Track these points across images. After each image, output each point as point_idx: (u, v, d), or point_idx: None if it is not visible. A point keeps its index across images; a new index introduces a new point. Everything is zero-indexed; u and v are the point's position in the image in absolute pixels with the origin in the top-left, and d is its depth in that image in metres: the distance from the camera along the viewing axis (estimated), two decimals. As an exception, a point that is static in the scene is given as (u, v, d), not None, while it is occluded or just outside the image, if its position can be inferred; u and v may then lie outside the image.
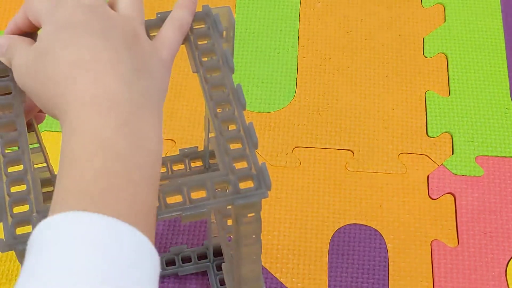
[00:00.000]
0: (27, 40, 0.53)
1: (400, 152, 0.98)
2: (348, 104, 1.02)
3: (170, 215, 0.50)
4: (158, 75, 0.51)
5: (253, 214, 0.54)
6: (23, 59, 0.51)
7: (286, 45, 1.08)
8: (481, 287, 0.88)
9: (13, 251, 0.49)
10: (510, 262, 0.90)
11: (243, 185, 0.52)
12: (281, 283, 0.88)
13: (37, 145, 0.63)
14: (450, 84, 1.04)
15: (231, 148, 0.53)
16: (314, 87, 1.04)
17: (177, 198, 0.51)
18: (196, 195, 0.51)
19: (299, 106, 1.02)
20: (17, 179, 0.51)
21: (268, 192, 0.52)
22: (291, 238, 0.91)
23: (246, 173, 0.52)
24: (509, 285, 0.89)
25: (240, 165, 0.52)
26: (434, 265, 0.90)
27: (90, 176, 0.44)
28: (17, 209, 0.50)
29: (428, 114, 1.01)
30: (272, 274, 0.88)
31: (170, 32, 0.55)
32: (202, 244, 0.90)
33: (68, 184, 0.44)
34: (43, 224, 0.43)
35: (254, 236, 0.57)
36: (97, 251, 0.41)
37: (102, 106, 0.45)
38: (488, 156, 0.98)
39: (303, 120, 1.01)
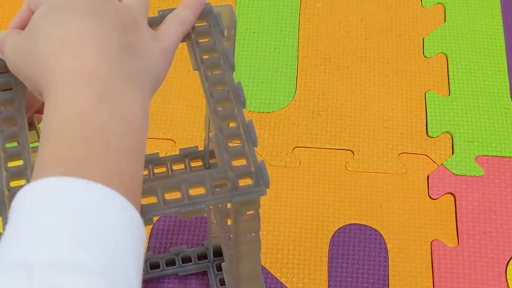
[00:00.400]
0: (18, 30, 0.53)
1: (400, 152, 0.98)
2: (348, 104, 1.02)
3: (168, 211, 0.50)
4: (152, 59, 0.51)
5: (251, 211, 0.54)
6: (14, 43, 0.51)
7: (286, 45, 1.08)
8: (481, 287, 0.88)
9: None
10: (510, 262, 0.90)
11: (242, 182, 0.52)
12: (281, 283, 0.88)
13: (38, 143, 0.63)
14: (450, 84, 1.04)
15: (231, 145, 0.53)
16: (314, 87, 1.04)
17: (176, 195, 0.51)
18: (195, 192, 0.51)
19: (299, 106, 1.02)
20: (16, 174, 0.51)
21: (267, 190, 0.52)
22: (291, 238, 0.91)
23: (245, 170, 0.52)
24: (509, 285, 0.89)
25: (239, 162, 0.52)
26: (434, 265, 0.90)
27: (67, 145, 0.44)
28: None
29: (428, 114, 1.01)
30: (272, 274, 0.88)
31: (172, 26, 0.55)
32: (202, 244, 0.90)
33: (46, 153, 0.45)
34: (23, 191, 0.43)
35: (253, 234, 0.57)
36: (74, 213, 0.41)
37: (80, 80, 0.46)
38: (488, 156, 0.98)
39: (303, 120, 1.01)
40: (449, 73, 1.05)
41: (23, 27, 0.53)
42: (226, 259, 0.72)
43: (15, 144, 0.53)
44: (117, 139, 0.45)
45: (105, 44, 0.48)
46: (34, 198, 0.42)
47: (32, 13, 0.53)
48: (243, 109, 0.54)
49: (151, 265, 0.87)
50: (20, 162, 0.52)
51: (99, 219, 0.42)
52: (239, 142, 0.53)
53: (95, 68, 0.47)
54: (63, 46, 0.47)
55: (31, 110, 0.60)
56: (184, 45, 0.58)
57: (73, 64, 0.47)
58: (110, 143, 0.45)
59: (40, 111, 0.62)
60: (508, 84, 1.04)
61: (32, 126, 0.61)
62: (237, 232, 0.57)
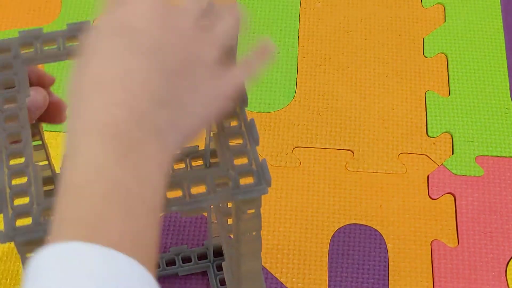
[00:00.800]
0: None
1: (400, 152, 0.98)
2: (348, 104, 1.02)
3: (169, 209, 0.50)
4: (193, 113, 0.48)
5: (253, 210, 0.54)
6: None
7: (286, 45, 1.08)
8: (481, 287, 0.88)
9: (14, 249, 0.49)
10: (510, 262, 0.90)
11: (243, 181, 0.52)
12: (281, 283, 0.88)
13: (40, 142, 0.63)
14: (450, 84, 1.04)
15: (232, 144, 0.53)
16: (314, 87, 1.04)
17: (177, 194, 0.51)
18: (196, 190, 0.51)
19: (299, 106, 1.02)
20: (18, 171, 0.51)
21: (268, 188, 0.51)
22: (291, 238, 0.91)
23: (247, 169, 0.52)
24: (509, 285, 0.89)
25: (241, 161, 0.52)
26: (434, 265, 0.90)
27: (87, 203, 0.43)
28: (17, 201, 0.50)
29: (428, 114, 1.01)
30: (272, 274, 0.88)
31: (241, 74, 0.52)
32: (202, 245, 0.90)
33: (66, 210, 0.43)
34: (40, 253, 0.42)
35: (254, 233, 0.57)
36: (92, 282, 0.40)
37: (105, 134, 0.44)
38: (488, 156, 0.98)
39: (303, 120, 1.01)
40: (449, 73, 1.05)
41: None
42: (227, 259, 0.72)
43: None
44: (136, 201, 0.44)
45: (140, 96, 0.45)
46: (53, 266, 0.41)
47: None
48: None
49: (151, 265, 0.87)
50: (21, 160, 0.52)
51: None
52: (241, 140, 0.53)
53: (121, 124, 0.44)
54: (97, 87, 0.45)
55: (38, 112, 0.59)
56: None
57: (102, 114, 0.44)
58: (129, 204, 0.43)
59: (56, 115, 0.61)
60: (508, 84, 1.04)
61: (36, 125, 0.61)
62: (239, 231, 0.56)
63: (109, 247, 0.41)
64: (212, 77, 0.49)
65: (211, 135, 0.71)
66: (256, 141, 0.52)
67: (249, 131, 0.53)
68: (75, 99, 0.46)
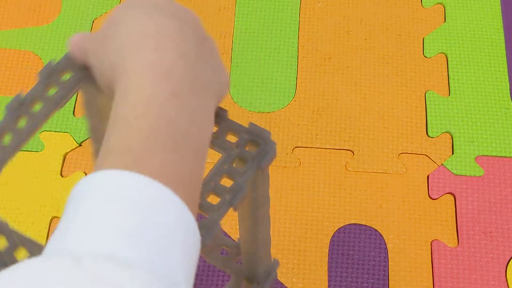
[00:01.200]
0: None
1: (400, 152, 0.98)
2: (348, 104, 1.02)
3: (220, 208, 0.50)
4: (220, 72, 0.51)
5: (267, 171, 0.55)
6: (97, 33, 0.51)
7: (286, 45, 1.08)
8: (481, 287, 0.88)
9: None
10: (510, 262, 0.90)
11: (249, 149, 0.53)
12: (281, 283, 0.88)
13: None
14: (450, 84, 1.04)
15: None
16: (314, 87, 1.04)
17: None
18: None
19: (299, 106, 1.02)
20: None
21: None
22: (291, 238, 0.91)
23: (245, 140, 0.52)
24: (509, 285, 0.89)
25: (233, 139, 0.53)
26: (434, 265, 0.90)
27: (135, 135, 0.44)
28: None
29: (428, 114, 1.01)
30: (272, 274, 0.88)
31: None
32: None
33: (113, 141, 0.44)
34: (83, 181, 0.43)
35: (267, 195, 0.58)
36: (130, 209, 0.41)
37: (157, 72, 0.46)
38: (488, 156, 0.98)
39: (303, 120, 1.01)
40: (449, 73, 1.05)
41: None
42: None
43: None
44: (183, 138, 0.45)
45: (183, 45, 0.48)
46: (93, 190, 0.42)
47: None
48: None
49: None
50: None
51: (154, 219, 0.41)
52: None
53: (173, 64, 0.46)
54: (143, 38, 0.47)
55: None
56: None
57: (152, 56, 0.46)
58: (176, 140, 0.45)
59: None
60: (508, 84, 1.04)
61: None
62: (257, 199, 0.57)
63: (151, 177, 0.42)
64: (223, 66, 0.52)
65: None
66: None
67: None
68: (121, 49, 0.48)
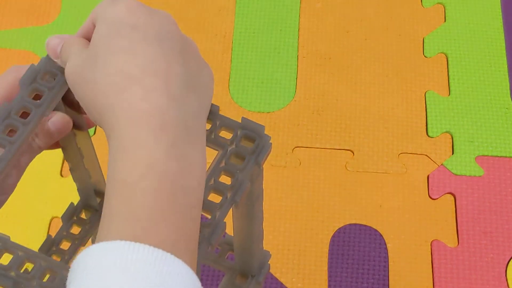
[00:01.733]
0: (83, 41, 0.49)
1: (400, 152, 0.98)
2: (348, 104, 1.02)
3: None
4: (205, 90, 0.48)
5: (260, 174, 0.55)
6: (76, 61, 0.48)
7: (286, 45, 1.08)
8: (481, 287, 0.88)
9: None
10: (510, 262, 0.90)
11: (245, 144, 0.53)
12: (281, 283, 0.88)
13: None
14: (450, 84, 1.04)
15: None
16: (314, 87, 1.04)
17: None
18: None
19: (299, 106, 1.02)
20: None
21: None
22: (291, 238, 0.91)
23: (239, 136, 0.52)
24: (509, 285, 0.89)
25: (227, 135, 0.53)
26: (434, 265, 0.90)
27: (140, 200, 0.42)
28: None
29: (428, 114, 1.01)
30: (272, 274, 0.88)
31: None
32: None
33: (116, 205, 0.43)
34: (87, 251, 0.42)
35: (261, 189, 0.58)
36: (140, 284, 0.40)
37: (152, 125, 0.43)
38: (488, 156, 0.98)
39: (303, 120, 1.01)
40: (449, 73, 1.05)
41: (89, 39, 0.50)
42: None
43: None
44: (184, 193, 0.43)
45: (171, 82, 0.45)
46: (100, 263, 0.40)
47: (93, 25, 0.49)
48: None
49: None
50: None
51: None
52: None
53: (165, 112, 0.44)
54: (129, 82, 0.45)
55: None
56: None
57: (143, 105, 0.44)
58: (179, 200, 0.43)
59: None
60: (508, 84, 1.04)
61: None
62: (253, 194, 0.57)
63: (158, 247, 0.41)
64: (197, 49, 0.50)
65: None
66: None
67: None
68: (106, 93, 0.45)
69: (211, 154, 0.50)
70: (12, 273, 0.51)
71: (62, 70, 0.53)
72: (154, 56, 0.45)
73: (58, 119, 0.55)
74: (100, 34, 0.47)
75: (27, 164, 0.58)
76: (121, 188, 0.43)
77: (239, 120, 0.53)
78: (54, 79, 0.53)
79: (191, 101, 0.46)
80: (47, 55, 0.53)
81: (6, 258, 0.52)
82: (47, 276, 0.51)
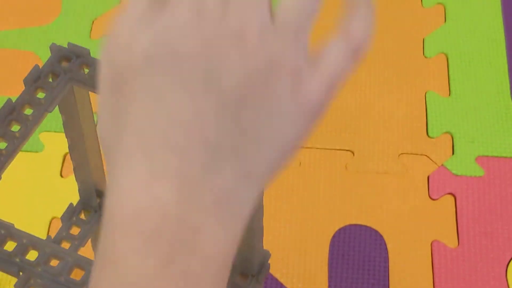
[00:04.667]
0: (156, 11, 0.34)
1: (400, 153, 0.98)
2: (348, 104, 1.02)
3: None
4: (276, 142, 0.34)
5: None
6: (108, 76, 0.35)
7: (286, 45, 1.07)
8: (481, 287, 0.88)
9: None
10: (511, 262, 0.90)
11: None
12: (281, 284, 0.88)
13: None
14: (450, 84, 1.04)
15: None
16: (314, 87, 1.04)
17: None
18: None
19: (299, 106, 1.02)
20: None
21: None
22: (291, 238, 0.91)
23: None
24: (510, 286, 0.89)
25: None
26: (434, 266, 0.90)
27: None
28: None
29: (428, 114, 1.01)
30: (272, 275, 0.88)
31: (339, 57, 0.35)
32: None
33: None
34: None
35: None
36: None
37: (144, 231, 0.32)
38: (488, 156, 0.98)
39: (303, 120, 1.00)
40: (450, 73, 1.05)
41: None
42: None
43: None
44: None
45: (190, 156, 0.32)
46: None
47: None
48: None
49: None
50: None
51: None
52: None
53: (168, 214, 0.32)
54: (136, 151, 0.33)
55: None
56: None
57: (139, 198, 0.32)
58: None
59: None
60: (508, 84, 1.04)
61: None
62: None
63: None
64: (295, 88, 0.34)
65: None
66: None
67: None
68: (114, 163, 0.34)
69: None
70: (17, 259, 0.51)
71: (65, 70, 0.54)
72: (181, 112, 0.33)
73: None
74: (131, 58, 0.34)
75: None
76: None
77: None
78: (57, 78, 0.54)
79: (220, 179, 0.33)
80: (51, 56, 0.54)
81: (11, 245, 0.52)
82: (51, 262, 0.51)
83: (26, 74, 0.57)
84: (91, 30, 1.08)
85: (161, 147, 0.33)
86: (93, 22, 1.09)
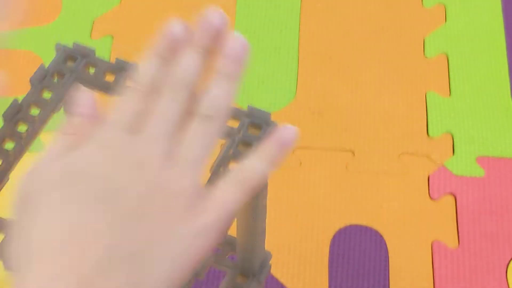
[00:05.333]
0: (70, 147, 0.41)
1: (400, 153, 0.98)
2: (348, 104, 1.02)
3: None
4: (169, 259, 0.38)
5: None
6: (16, 196, 0.41)
7: (287, 45, 1.07)
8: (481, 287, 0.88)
9: None
10: (511, 263, 0.90)
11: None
12: (281, 284, 0.88)
13: None
14: (451, 85, 1.04)
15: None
16: (314, 87, 1.04)
17: None
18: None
19: (299, 106, 1.02)
20: None
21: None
22: (291, 238, 0.91)
23: (247, 123, 0.52)
24: (510, 286, 0.89)
25: (233, 124, 0.53)
26: (434, 266, 0.90)
27: None
28: None
29: (428, 114, 1.01)
30: (272, 275, 0.88)
31: (228, 189, 0.41)
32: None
33: None
34: None
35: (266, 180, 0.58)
36: None
37: None
38: (489, 156, 0.98)
39: (303, 120, 1.00)
40: (450, 74, 1.05)
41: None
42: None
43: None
44: None
45: (87, 257, 0.36)
46: None
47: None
48: (242, 108, 0.54)
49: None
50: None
51: None
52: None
53: None
54: (45, 253, 0.37)
55: None
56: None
57: None
58: None
59: None
60: (509, 85, 1.04)
61: None
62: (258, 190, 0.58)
63: None
64: (187, 214, 0.39)
65: None
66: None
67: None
68: (22, 261, 0.38)
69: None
70: None
71: (70, 70, 0.54)
72: (81, 224, 0.37)
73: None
74: (42, 175, 0.40)
75: None
76: None
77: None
78: (63, 78, 0.54)
79: (114, 281, 0.36)
80: (56, 56, 0.54)
81: None
82: None
83: (25, 74, 0.57)
84: (91, 30, 1.08)
85: (61, 253, 0.36)
86: (93, 22, 1.09)
